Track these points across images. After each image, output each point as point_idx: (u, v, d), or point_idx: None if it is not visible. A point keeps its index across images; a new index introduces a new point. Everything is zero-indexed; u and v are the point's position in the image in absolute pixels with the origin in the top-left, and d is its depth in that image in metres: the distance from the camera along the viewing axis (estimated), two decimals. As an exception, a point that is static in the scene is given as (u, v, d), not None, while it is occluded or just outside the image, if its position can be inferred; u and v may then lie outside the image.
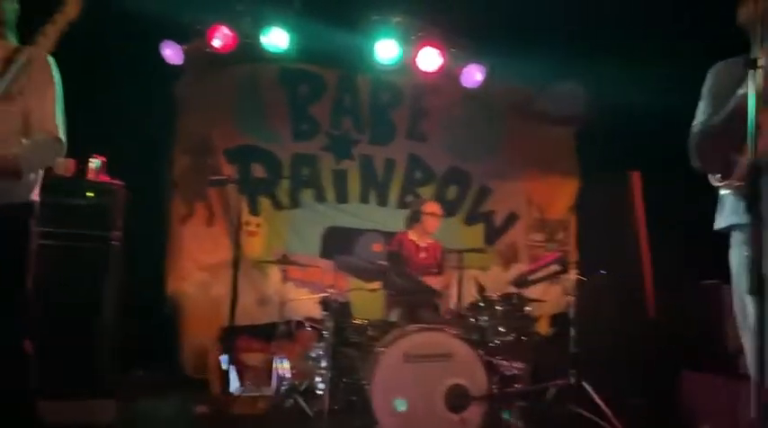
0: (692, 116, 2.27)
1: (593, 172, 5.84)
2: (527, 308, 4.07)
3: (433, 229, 4.78)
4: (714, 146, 1.99)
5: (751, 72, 1.78)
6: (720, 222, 2.12)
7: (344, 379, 3.95)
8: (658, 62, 4.74)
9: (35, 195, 2.45)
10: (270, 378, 4.43)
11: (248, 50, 5.01)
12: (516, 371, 4.02)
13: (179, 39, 4.94)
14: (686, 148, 2.24)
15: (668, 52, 4.67)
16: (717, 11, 1.90)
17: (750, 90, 1.78)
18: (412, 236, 4.78)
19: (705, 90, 2.14)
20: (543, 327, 5.49)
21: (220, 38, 4.84)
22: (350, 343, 4.05)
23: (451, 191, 5.87)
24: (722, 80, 2.03)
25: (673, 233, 4.85)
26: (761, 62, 1.76)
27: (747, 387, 1.75)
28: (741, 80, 1.94)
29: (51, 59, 2.45)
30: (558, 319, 5.28)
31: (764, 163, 1.80)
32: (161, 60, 4.91)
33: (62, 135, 2.42)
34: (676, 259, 4.75)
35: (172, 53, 4.93)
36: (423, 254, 4.74)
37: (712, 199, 2.23)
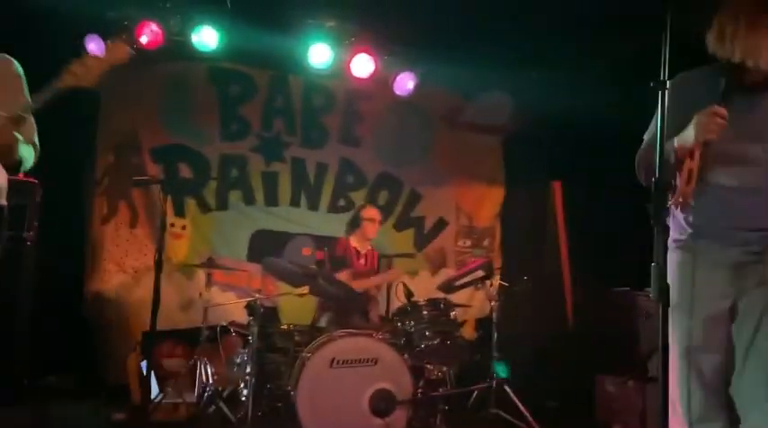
0: (612, 126, 2.36)
1: (518, 180, 6.02)
2: (453, 313, 4.14)
3: (373, 235, 4.80)
4: (648, 170, 1.94)
5: (660, 92, 1.89)
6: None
7: (269, 385, 3.91)
8: (582, 74, 4.93)
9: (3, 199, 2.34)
10: (192, 384, 4.32)
11: (177, 48, 4.89)
12: (441, 375, 4.10)
13: (104, 34, 4.76)
14: (605, 159, 2.35)
15: (592, 64, 4.87)
16: (640, 23, 1.98)
17: (659, 109, 1.88)
18: (353, 242, 4.79)
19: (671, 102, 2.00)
20: (468, 332, 5.60)
21: (148, 34, 4.69)
22: (276, 348, 4.01)
23: (383, 197, 5.91)
24: (682, 94, 2.02)
25: (591, 241, 5.06)
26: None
27: (653, 389, 1.85)
28: (702, 93, 1.99)
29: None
30: (483, 324, 5.41)
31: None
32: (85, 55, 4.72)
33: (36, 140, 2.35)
34: (594, 266, 4.97)
35: (95, 48, 4.73)
36: (362, 261, 4.76)
37: (628, 208, 2.35)
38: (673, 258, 2.08)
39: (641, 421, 3.58)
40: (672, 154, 1.98)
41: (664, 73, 1.89)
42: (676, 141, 1.98)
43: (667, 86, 1.87)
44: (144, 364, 4.34)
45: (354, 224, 4.80)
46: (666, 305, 1.77)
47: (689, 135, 1.94)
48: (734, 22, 1.96)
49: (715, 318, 2.05)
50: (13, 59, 2.44)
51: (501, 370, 4.23)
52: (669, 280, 1.79)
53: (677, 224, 2.11)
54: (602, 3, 4.04)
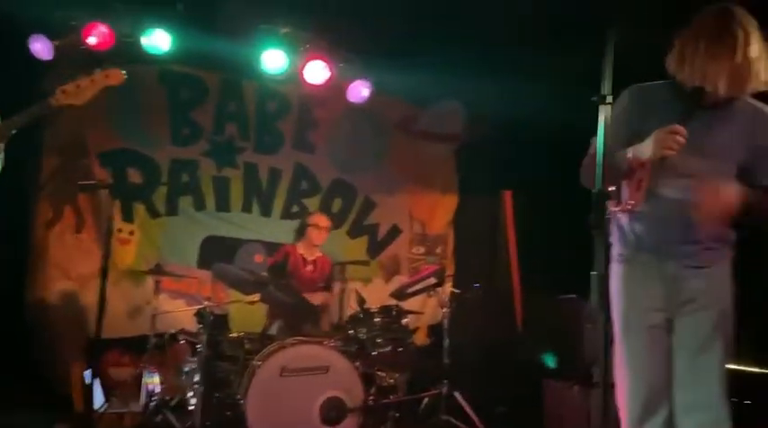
0: (562, 136, 2.42)
1: (471, 189, 6.10)
2: (405, 320, 4.17)
3: (319, 242, 4.78)
4: (591, 177, 1.95)
5: (601, 107, 1.95)
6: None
7: (218, 394, 3.85)
8: (534, 85, 5.04)
9: None
10: (139, 393, 4.23)
11: (127, 50, 4.78)
12: (393, 382, 4.11)
13: (51, 34, 4.65)
14: (555, 169, 2.41)
15: (543, 76, 4.98)
16: (588, 38, 2.04)
17: (600, 122, 1.94)
18: (300, 249, 4.76)
19: (615, 112, 2.01)
20: (421, 338, 5.63)
21: (97, 36, 4.59)
22: (225, 356, 3.96)
23: (336, 204, 5.90)
24: (639, 104, 2.09)
25: (540, 249, 5.16)
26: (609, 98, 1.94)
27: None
28: (659, 107, 2.05)
29: None
30: (435, 330, 5.45)
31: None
32: (29, 55, 4.59)
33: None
34: (543, 274, 5.07)
35: (41, 48, 4.62)
36: (310, 268, 4.73)
37: (576, 218, 2.41)
38: (614, 270, 2.15)
39: (587, 425, 3.66)
40: (624, 163, 2.05)
41: (604, 87, 1.95)
42: (631, 152, 2.03)
43: (608, 101, 1.93)
44: (88, 373, 4.22)
45: (301, 231, 4.79)
46: (607, 312, 1.83)
47: (645, 148, 1.99)
48: (693, 46, 1.99)
49: (651, 331, 2.13)
50: None
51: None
52: (611, 291, 1.86)
53: (621, 236, 2.18)
54: (553, 17, 4.15)
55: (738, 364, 3.77)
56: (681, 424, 2.08)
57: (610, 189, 1.95)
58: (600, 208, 1.84)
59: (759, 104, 2.10)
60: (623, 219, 2.17)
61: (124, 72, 2.40)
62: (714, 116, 2.05)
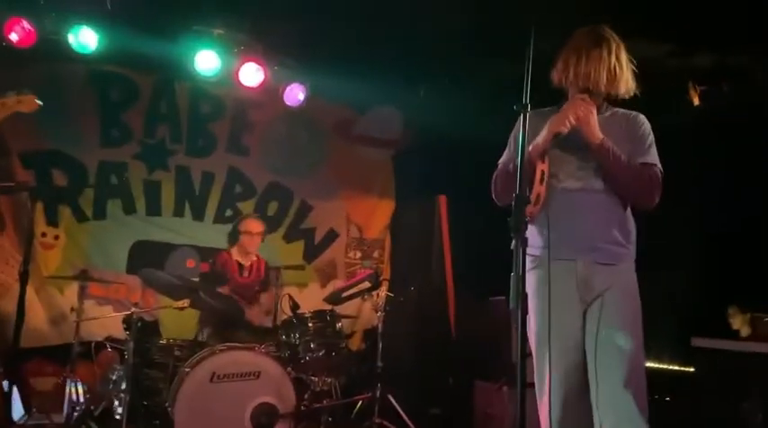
0: (495, 143, 2.53)
1: (408, 193, 6.16)
2: (339, 325, 4.17)
3: (253, 248, 4.72)
4: (505, 187, 2.27)
5: (522, 115, 2.03)
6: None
7: (146, 402, 3.76)
8: (465, 93, 5.14)
9: None
10: (62, 403, 4.07)
11: (52, 48, 4.61)
12: (326, 387, 4.10)
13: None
14: (487, 175, 2.50)
15: (474, 84, 5.09)
16: (517, 44, 2.12)
17: (521, 130, 2.01)
18: (235, 255, 4.69)
19: (511, 136, 2.41)
20: (356, 343, 5.65)
21: (18, 32, 4.40)
22: (154, 363, 3.87)
23: (272, 207, 5.84)
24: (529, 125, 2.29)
25: (473, 252, 5.26)
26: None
27: (529, 393, 1.96)
28: (541, 129, 2.25)
29: None
30: (371, 335, 5.47)
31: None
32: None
33: None
34: (476, 276, 5.16)
35: (-43, 43, 4.40)
36: (246, 273, 4.67)
37: (506, 222, 2.48)
38: (530, 271, 2.23)
39: (513, 425, 3.75)
40: (526, 161, 2.13)
41: (526, 97, 2.03)
42: (531, 145, 2.21)
43: (528, 110, 2.01)
44: (6, 383, 4.03)
45: (233, 237, 4.73)
46: (524, 313, 1.89)
47: (541, 134, 2.23)
48: (575, 55, 2.28)
49: (566, 331, 2.21)
50: None
51: None
52: (528, 292, 1.92)
53: (534, 238, 2.25)
54: (481, 28, 4.25)
55: (655, 362, 3.96)
56: (598, 424, 2.15)
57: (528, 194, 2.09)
58: (519, 211, 1.90)
59: (630, 112, 2.38)
60: (535, 220, 2.25)
61: (39, 101, 2.32)
62: (599, 120, 2.27)
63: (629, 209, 2.34)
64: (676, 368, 4.09)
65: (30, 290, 3.63)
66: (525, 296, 1.87)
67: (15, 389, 3.93)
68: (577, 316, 2.23)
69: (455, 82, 5.26)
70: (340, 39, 4.81)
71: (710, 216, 4.28)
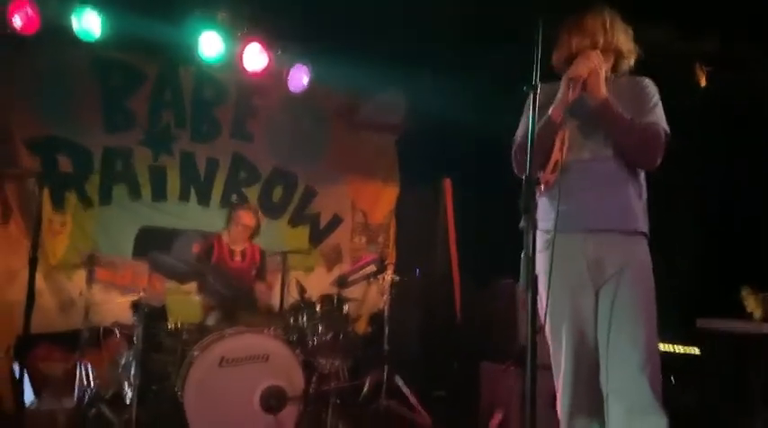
0: (499, 126, 2.53)
1: (412, 178, 6.16)
2: (345, 308, 4.19)
3: (241, 239, 4.67)
4: (525, 159, 2.17)
5: (531, 96, 2.03)
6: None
7: (155, 386, 3.79)
8: (473, 75, 5.12)
9: None
10: (72, 388, 4.11)
11: (55, 34, 4.59)
12: (334, 370, 4.13)
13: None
14: (494, 157, 2.50)
15: (482, 66, 5.06)
16: (524, 25, 2.12)
17: (531, 110, 2.01)
18: (225, 239, 4.69)
19: (525, 107, 2.37)
20: (362, 326, 5.68)
21: (22, 17, 4.38)
22: (162, 348, 3.89)
23: (277, 192, 5.85)
24: (540, 99, 2.27)
25: (478, 235, 5.27)
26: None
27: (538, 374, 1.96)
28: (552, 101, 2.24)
29: None
30: (376, 318, 5.50)
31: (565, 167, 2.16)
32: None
33: None
34: (481, 259, 5.18)
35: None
36: (237, 258, 4.66)
37: (512, 204, 2.49)
38: (542, 254, 2.23)
39: (521, 406, 3.78)
40: (546, 125, 2.20)
41: (535, 77, 2.03)
42: (551, 108, 2.21)
43: (538, 90, 2.01)
44: (17, 369, 4.07)
45: (227, 223, 4.71)
46: (534, 294, 1.89)
47: (560, 91, 2.22)
48: (568, 28, 2.33)
49: (579, 313, 2.21)
50: None
51: None
52: (538, 273, 1.91)
53: (545, 216, 2.24)
54: (485, 11, 4.23)
55: (662, 343, 3.97)
56: (611, 409, 2.14)
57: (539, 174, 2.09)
58: (529, 192, 1.90)
59: (635, 76, 2.38)
60: (549, 191, 2.25)
61: None
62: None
63: (642, 175, 2.32)
64: (681, 349, 4.10)
65: (38, 277, 3.63)
66: (536, 277, 1.87)
67: (26, 374, 3.97)
68: (590, 298, 2.22)
69: (459, 65, 5.24)
70: (343, 23, 4.79)
71: (717, 194, 4.28)
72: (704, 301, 4.02)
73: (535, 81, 2.02)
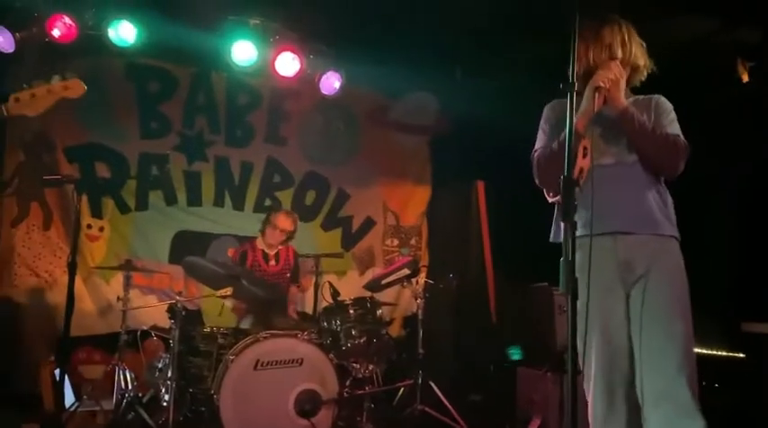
0: (533, 127, 2.51)
1: (444, 180, 6.12)
2: (379, 312, 4.17)
3: (275, 241, 4.68)
4: (550, 167, 2.23)
5: (568, 94, 1.98)
6: (557, 234, 2.33)
7: (191, 389, 3.83)
8: (505, 77, 5.06)
9: None
10: (111, 391, 4.18)
11: (92, 43, 4.69)
12: (368, 374, 4.12)
13: (13, 25, 4.53)
14: (526, 160, 2.47)
15: (512, 67, 5.01)
16: (558, 24, 2.08)
17: (568, 106, 1.96)
18: (260, 245, 4.71)
19: (542, 122, 2.41)
20: (396, 330, 5.65)
21: (60, 28, 4.48)
22: (198, 351, 3.93)
23: (310, 196, 5.88)
24: (557, 114, 2.34)
25: (513, 238, 5.20)
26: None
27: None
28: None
29: None
30: (410, 321, 5.47)
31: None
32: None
33: None
34: (516, 263, 5.11)
35: (3, 40, 4.49)
36: (272, 262, 4.68)
37: (547, 207, 2.45)
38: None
39: (559, 411, 3.72)
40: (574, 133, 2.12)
41: (572, 75, 1.98)
42: (576, 118, 2.15)
43: (576, 88, 1.96)
44: (58, 371, 4.16)
45: (263, 226, 4.73)
46: (574, 298, 1.84)
47: (584, 100, 2.20)
48: (584, 43, 2.30)
49: (610, 316, 2.16)
50: None
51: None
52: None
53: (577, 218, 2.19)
54: (521, 8, 4.17)
55: (702, 347, 3.86)
56: (648, 416, 2.08)
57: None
58: (568, 194, 1.85)
59: (650, 95, 2.38)
60: (578, 198, 2.21)
61: (84, 85, 2.26)
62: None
63: (662, 181, 2.30)
64: (724, 353, 3.98)
65: (78, 281, 3.70)
66: (575, 281, 1.82)
67: (66, 377, 4.04)
68: (621, 300, 2.17)
69: (490, 66, 5.19)
70: (374, 25, 4.79)
71: (763, 194, 4.14)
72: (749, 305, 3.90)
73: (572, 79, 1.98)
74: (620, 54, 2.28)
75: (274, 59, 4.98)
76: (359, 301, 4.16)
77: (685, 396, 2.04)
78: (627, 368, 2.13)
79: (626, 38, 2.31)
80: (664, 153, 2.21)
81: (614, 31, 2.31)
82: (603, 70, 2.22)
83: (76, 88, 2.23)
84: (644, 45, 2.37)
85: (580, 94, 2.24)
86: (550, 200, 2.36)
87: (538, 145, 2.40)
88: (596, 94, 2.19)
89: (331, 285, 4.23)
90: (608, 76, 2.20)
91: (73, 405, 4.12)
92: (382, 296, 4.56)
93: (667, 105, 2.34)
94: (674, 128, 2.28)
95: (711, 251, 3.74)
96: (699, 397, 2.06)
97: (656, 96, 2.37)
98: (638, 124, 2.21)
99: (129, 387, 4.10)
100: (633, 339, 2.14)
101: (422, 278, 4.66)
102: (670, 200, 2.29)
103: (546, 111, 2.42)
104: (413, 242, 6.17)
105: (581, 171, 2.15)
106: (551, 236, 2.38)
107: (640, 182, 2.23)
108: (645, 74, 2.38)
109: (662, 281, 2.14)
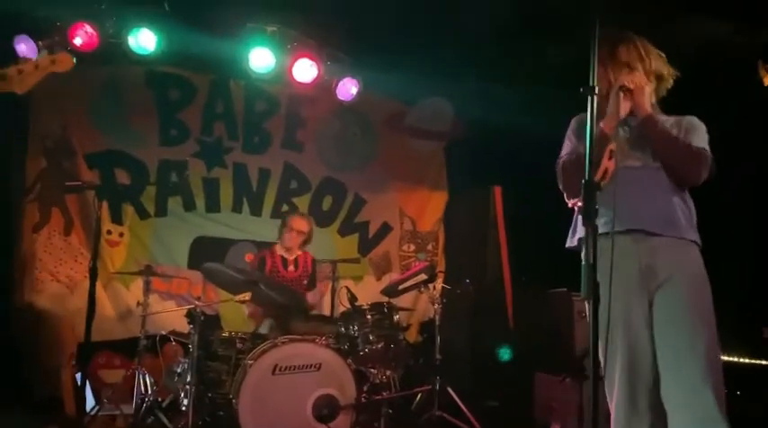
0: (549, 135, 2.51)
1: (461, 185, 6.11)
2: (396, 317, 4.17)
3: (292, 244, 4.69)
4: (577, 172, 2.12)
5: (589, 98, 1.98)
6: (572, 241, 2.33)
7: (210, 394, 3.85)
8: (519, 81, 5.05)
9: None
10: (131, 395, 4.21)
11: (112, 51, 4.75)
12: (385, 379, 4.11)
13: (36, 34, 4.61)
14: (543, 165, 2.47)
15: (528, 71, 5.00)
16: (573, 33, 2.09)
17: (588, 111, 1.96)
18: (279, 250, 4.74)
19: (569, 131, 2.42)
20: (413, 335, 5.64)
21: (82, 36, 4.55)
22: (217, 356, 3.95)
23: (327, 202, 5.90)
24: (583, 125, 2.28)
25: (531, 244, 5.17)
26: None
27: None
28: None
29: None
30: (427, 327, 5.45)
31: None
32: (14, 56, 4.55)
33: None
34: (533, 268, 5.08)
35: (26, 48, 4.58)
36: (291, 267, 4.70)
37: (564, 212, 2.45)
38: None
39: (578, 418, 3.69)
40: (598, 138, 2.12)
41: (593, 79, 1.98)
42: (602, 121, 2.21)
43: (597, 91, 1.96)
44: (79, 376, 4.20)
45: (280, 231, 4.75)
46: (597, 303, 1.83)
47: (610, 103, 2.21)
48: (602, 61, 2.27)
49: (633, 321, 2.14)
50: None
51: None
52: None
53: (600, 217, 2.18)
54: (538, 12, 4.17)
55: (725, 355, 3.81)
56: (673, 422, 2.06)
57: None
58: (589, 198, 1.85)
59: (682, 116, 2.36)
60: (600, 198, 2.19)
61: (74, 58, 2.21)
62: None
63: (686, 188, 2.29)
64: (746, 360, 3.93)
65: (98, 286, 3.74)
66: (597, 285, 1.82)
67: (87, 381, 4.08)
68: (643, 304, 2.15)
69: (506, 71, 5.18)
70: (391, 31, 4.81)
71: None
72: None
73: (592, 82, 1.97)
74: (640, 68, 2.29)
75: (292, 66, 5.01)
76: (376, 306, 4.16)
77: (710, 403, 2.02)
78: (649, 372, 2.12)
79: (642, 53, 2.31)
80: (686, 162, 2.21)
81: (630, 48, 2.30)
82: (628, 74, 2.24)
83: (65, 62, 2.17)
84: (663, 55, 2.36)
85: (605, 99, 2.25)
86: (570, 204, 2.35)
87: (564, 152, 2.40)
88: (622, 95, 2.20)
89: (348, 290, 4.24)
90: (632, 79, 2.22)
91: (93, 408, 4.17)
92: (399, 301, 4.55)
93: (699, 124, 2.32)
94: (699, 141, 2.26)
95: (730, 256, 3.69)
96: (725, 405, 2.04)
97: (689, 117, 2.36)
98: (660, 131, 2.22)
99: (149, 391, 4.13)
100: (657, 346, 2.12)
101: (439, 283, 4.65)
102: (693, 207, 2.28)
103: (573, 122, 2.42)
104: (429, 247, 6.17)
105: (605, 172, 2.14)
106: (567, 241, 2.38)
107: (665, 186, 2.22)
108: (671, 82, 2.37)
109: (685, 288, 2.13)
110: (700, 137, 2.28)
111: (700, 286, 2.16)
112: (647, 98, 2.25)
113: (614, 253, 2.07)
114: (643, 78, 2.25)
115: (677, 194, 2.24)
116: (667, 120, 2.33)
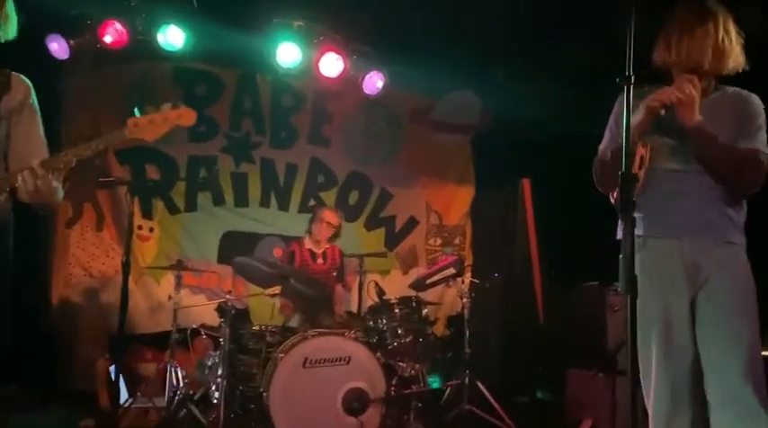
0: (577, 125, 2.45)
1: (488, 179, 6.07)
2: (424, 311, 4.16)
3: (324, 237, 4.71)
4: (612, 169, 2.03)
5: (625, 88, 1.93)
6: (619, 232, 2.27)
7: (241, 387, 3.88)
8: (548, 74, 4.99)
9: None
10: (163, 388, 4.27)
11: (142, 48, 4.81)
12: (414, 373, 4.11)
13: (67, 33, 4.68)
14: (572, 157, 2.42)
15: (557, 64, 4.93)
16: (604, 25, 2.04)
17: (624, 103, 1.92)
18: (308, 244, 4.75)
19: (611, 119, 2.30)
20: (440, 329, 5.63)
21: (112, 34, 4.61)
22: (247, 350, 3.98)
23: (353, 196, 5.91)
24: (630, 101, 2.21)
25: (560, 237, 5.12)
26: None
27: (621, 382, 1.88)
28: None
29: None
30: (455, 321, 5.43)
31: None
32: (46, 55, 4.63)
33: None
34: (563, 262, 5.03)
35: (58, 47, 4.65)
36: (320, 260, 4.71)
37: (596, 204, 2.41)
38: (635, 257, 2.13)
39: (611, 413, 3.64)
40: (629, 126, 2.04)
41: (629, 69, 1.93)
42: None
43: (633, 82, 1.91)
44: (113, 369, 4.27)
45: (309, 224, 4.77)
46: (634, 297, 1.80)
47: (638, 112, 2.08)
48: (678, 33, 2.15)
49: (674, 318, 2.10)
50: (30, 85, 2.28)
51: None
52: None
53: (642, 218, 2.14)
54: (567, 5, 4.11)
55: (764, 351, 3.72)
56: (715, 418, 2.04)
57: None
58: (626, 190, 1.81)
59: (742, 91, 2.20)
60: (640, 204, 2.14)
61: (195, 114, 2.32)
62: (706, 101, 2.13)
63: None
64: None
65: (130, 281, 3.79)
66: (635, 280, 1.78)
67: (121, 374, 4.14)
68: (686, 302, 2.10)
69: (533, 64, 5.12)
70: (416, 24, 4.78)
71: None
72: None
73: (628, 72, 1.93)
74: (707, 65, 2.11)
75: (318, 60, 5.02)
76: (404, 300, 4.15)
77: (752, 401, 1.99)
78: (690, 368, 2.08)
79: (720, 39, 2.12)
80: (734, 172, 2.10)
81: (708, 26, 2.12)
82: (670, 90, 2.08)
83: (189, 117, 2.30)
84: (741, 40, 2.17)
85: (659, 81, 2.15)
86: (613, 200, 2.28)
87: (602, 146, 2.32)
88: (646, 112, 2.07)
89: (376, 284, 4.23)
90: (671, 96, 2.06)
91: (127, 401, 4.23)
92: (426, 295, 4.55)
93: (755, 109, 2.17)
94: (757, 139, 2.12)
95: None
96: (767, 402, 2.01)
97: (747, 94, 2.20)
98: (708, 142, 2.07)
99: (181, 384, 4.18)
100: (699, 344, 2.08)
101: (467, 277, 4.63)
102: (743, 205, 2.18)
103: (616, 105, 2.27)
104: (456, 241, 6.14)
105: (641, 160, 2.09)
106: (617, 233, 2.30)
107: (710, 190, 2.12)
108: (738, 70, 2.19)
109: (728, 287, 2.08)
110: (757, 130, 2.12)
111: (743, 286, 2.11)
112: (696, 107, 2.08)
113: (656, 253, 2.06)
114: (693, 86, 2.07)
115: (723, 194, 2.13)
116: (723, 94, 2.19)
